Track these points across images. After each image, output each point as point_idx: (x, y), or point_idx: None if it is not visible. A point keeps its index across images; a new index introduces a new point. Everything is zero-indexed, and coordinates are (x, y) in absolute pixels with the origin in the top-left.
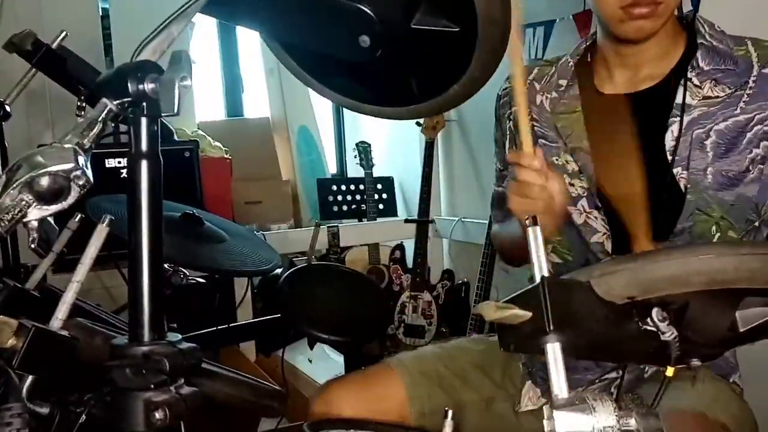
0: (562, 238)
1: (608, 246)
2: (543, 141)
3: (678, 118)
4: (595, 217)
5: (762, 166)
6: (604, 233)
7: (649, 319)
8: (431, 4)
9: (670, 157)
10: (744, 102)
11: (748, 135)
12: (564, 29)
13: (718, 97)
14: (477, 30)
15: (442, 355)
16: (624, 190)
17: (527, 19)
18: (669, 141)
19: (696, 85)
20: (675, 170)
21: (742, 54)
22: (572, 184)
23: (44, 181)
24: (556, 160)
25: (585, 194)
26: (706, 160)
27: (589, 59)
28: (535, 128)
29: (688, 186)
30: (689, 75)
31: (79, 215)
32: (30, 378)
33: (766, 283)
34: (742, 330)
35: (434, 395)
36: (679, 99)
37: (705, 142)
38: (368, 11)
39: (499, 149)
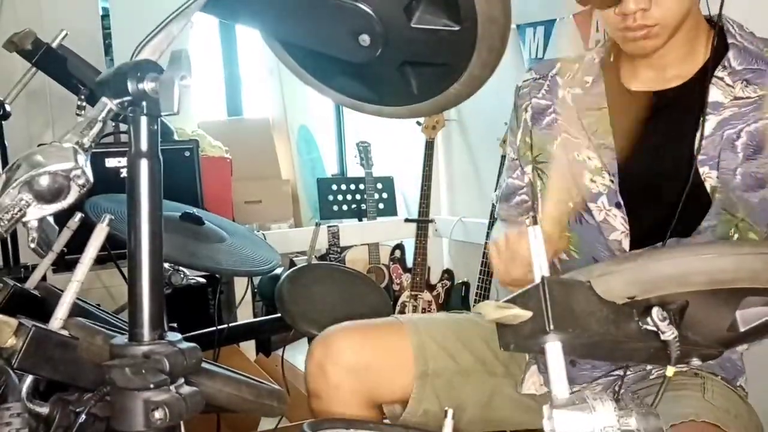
0: (571, 235)
1: (626, 244)
2: (566, 135)
3: (709, 116)
4: (615, 215)
5: None
6: (623, 231)
7: (649, 319)
8: (431, 3)
9: (697, 156)
10: None
11: None
12: (564, 29)
13: (749, 98)
14: (477, 29)
15: (453, 324)
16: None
17: (527, 19)
18: (698, 140)
19: (728, 85)
20: (702, 169)
21: None
22: (594, 181)
23: (44, 181)
24: (577, 155)
25: (606, 191)
26: (736, 160)
27: (612, 58)
28: (558, 122)
29: (718, 185)
30: (721, 74)
31: (79, 215)
32: (30, 378)
33: (767, 283)
34: (742, 330)
35: (439, 358)
36: (711, 98)
37: (736, 143)
38: (368, 10)
39: (513, 138)
